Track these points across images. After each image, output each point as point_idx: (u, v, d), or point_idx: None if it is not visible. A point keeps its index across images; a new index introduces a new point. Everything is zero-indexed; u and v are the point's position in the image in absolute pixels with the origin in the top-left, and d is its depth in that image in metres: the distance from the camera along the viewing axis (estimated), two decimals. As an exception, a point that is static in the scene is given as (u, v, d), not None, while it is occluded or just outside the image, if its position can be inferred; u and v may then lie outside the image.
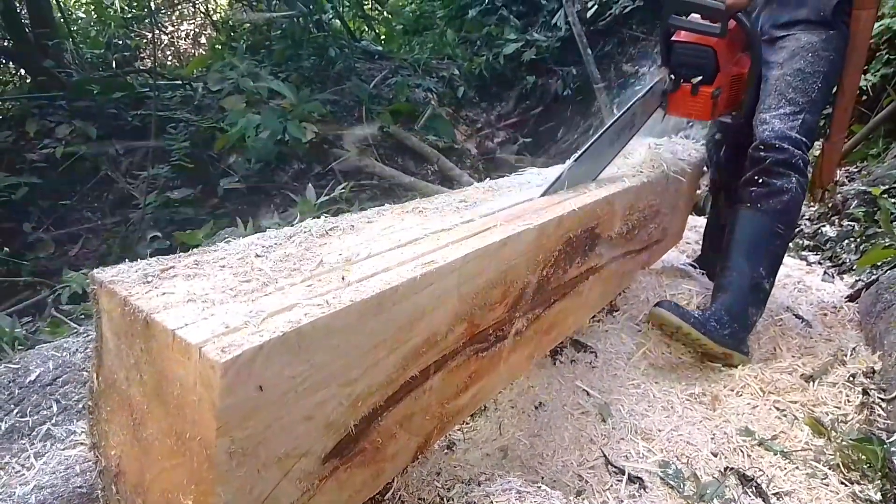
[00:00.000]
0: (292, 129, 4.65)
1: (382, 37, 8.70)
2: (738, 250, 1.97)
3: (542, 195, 1.58)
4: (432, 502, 1.17)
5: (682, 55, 1.99)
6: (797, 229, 3.53)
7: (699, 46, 1.95)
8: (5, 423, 1.42)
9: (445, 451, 1.39)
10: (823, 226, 3.49)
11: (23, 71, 6.53)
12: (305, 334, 0.80)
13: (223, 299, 0.83)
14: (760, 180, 1.96)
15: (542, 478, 1.37)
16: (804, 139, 1.95)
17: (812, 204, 3.77)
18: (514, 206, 1.45)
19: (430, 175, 5.58)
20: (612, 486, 1.37)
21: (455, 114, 6.83)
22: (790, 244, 3.34)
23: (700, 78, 1.97)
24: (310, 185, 3.57)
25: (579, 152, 1.74)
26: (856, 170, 3.89)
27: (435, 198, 1.47)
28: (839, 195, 3.58)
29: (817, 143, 2.50)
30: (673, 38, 2.00)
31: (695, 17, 1.94)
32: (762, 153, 1.96)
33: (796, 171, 1.94)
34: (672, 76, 2.02)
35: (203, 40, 9.13)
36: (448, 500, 1.17)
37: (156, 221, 4.75)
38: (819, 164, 2.22)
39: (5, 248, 4.31)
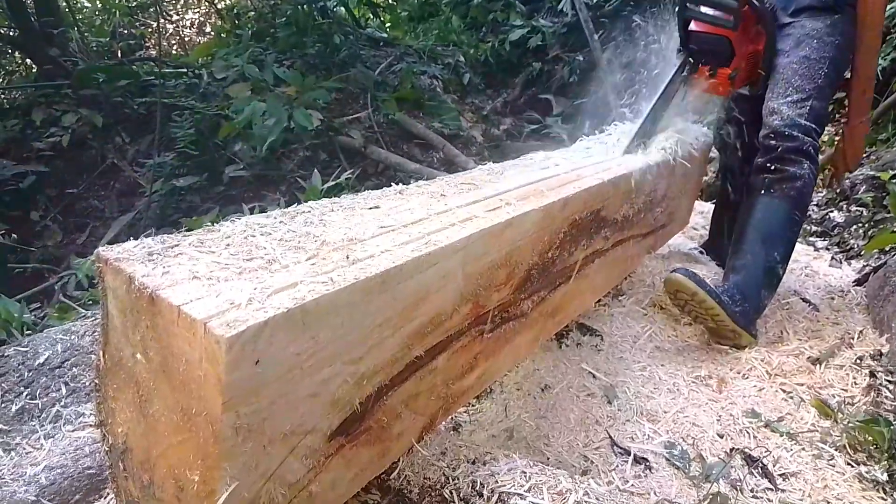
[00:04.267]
0: (298, 117, 4.63)
1: (387, 24, 8.65)
2: (755, 234, 1.98)
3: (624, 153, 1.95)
4: (437, 482, 1.18)
5: (699, 43, 2.08)
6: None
7: (714, 36, 2.04)
8: (15, 404, 1.44)
9: (451, 431, 1.40)
10: (831, 211, 3.47)
11: (28, 60, 6.54)
12: (310, 311, 0.80)
13: (228, 276, 0.83)
14: (773, 167, 1.98)
15: (548, 458, 1.37)
16: (814, 126, 1.97)
17: (820, 189, 3.74)
18: (519, 187, 1.45)
19: (435, 162, 5.56)
20: (617, 466, 1.38)
21: (461, 101, 6.80)
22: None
23: (717, 62, 2.07)
24: (315, 171, 3.56)
25: (640, 122, 2.05)
26: (864, 155, 3.86)
27: (439, 179, 1.47)
28: (847, 180, 3.55)
29: (830, 129, 2.50)
30: (690, 27, 2.09)
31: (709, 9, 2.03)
32: (773, 142, 1.98)
33: (808, 158, 1.96)
34: (691, 59, 2.11)
35: (208, 29, 9.11)
36: (453, 480, 1.18)
37: (162, 209, 4.77)
38: (841, 149, 2.21)
39: (13, 236, 4.34)
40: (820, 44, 1.98)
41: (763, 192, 2.00)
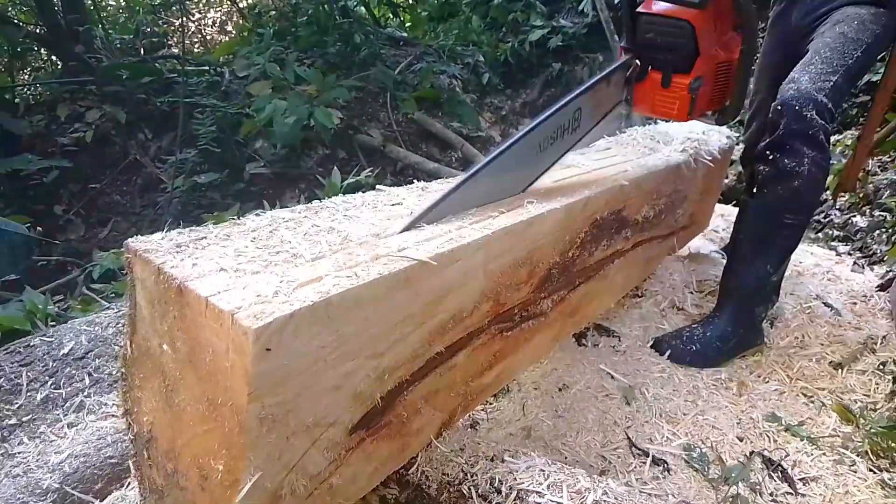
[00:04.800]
0: (319, 115, 4.66)
1: (407, 23, 8.68)
2: (746, 244, 1.88)
3: (403, 231, 1.06)
4: (456, 477, 1.18)
5: (651, 32, 1.51)
6: (817, 214, 3.44)
7: (673, 20, 1.48)
8: (40, 393, 1.46)
9: (469, 429, 1.40)
10: (854, 216, 3.42)
11: (54, 57, 6.63)
12: (335, 305, 0.81)
13: (254, 269, 0.84)
14: (771, 157, 1.74)
15: (566, 458, 1.37)
16: (829, 105, 1.68)
17: (843, 193, 3.69)
18: (540, 186, 1.45)
19: (454, 162, 5.57)
20: (635, 467, 1.37)
21: (480, 100, 6.80)
22: (821, 234, 3.30)
23: (673, 64, 1.52)
24: (335, 169, 3.58)
25: (477, 166, 1.26)
26: (889, 159, 3.80)
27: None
28: (871, 185, 3.51)
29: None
30: (639, 9, 1.52)
31: None
32: (779, 117, 1.70)
33: (813, 146, 1.68)
34: (638, 61, 1.54)
35: (230, 27, 9.19)
36: (472, 476, 1.18)
37: (183, 205, 4.82)
38: (847, 165, 2.16)
39: (38, 229, 4.41)
40: (861, 26, 1.79)
41: (754, 193, 1.84)
